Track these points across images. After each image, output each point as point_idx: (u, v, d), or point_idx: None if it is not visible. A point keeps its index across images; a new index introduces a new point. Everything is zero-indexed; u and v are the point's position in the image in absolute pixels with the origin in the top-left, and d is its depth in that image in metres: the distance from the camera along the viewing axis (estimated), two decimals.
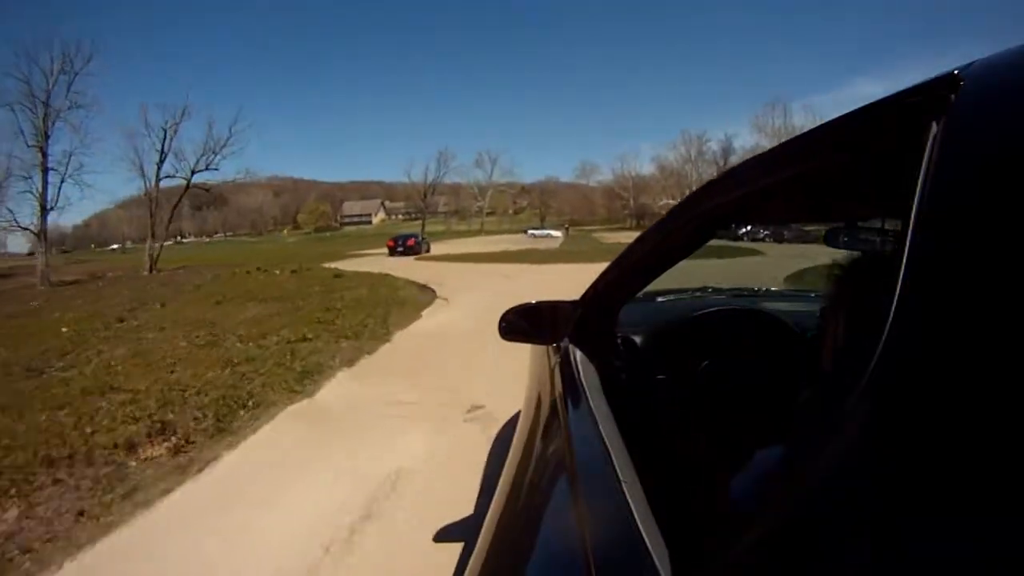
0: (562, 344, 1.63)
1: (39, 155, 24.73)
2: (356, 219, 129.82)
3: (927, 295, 0.40)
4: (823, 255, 1.19)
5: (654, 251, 1.29)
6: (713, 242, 1.25)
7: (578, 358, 1.43)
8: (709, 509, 0.84)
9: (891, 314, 0.40)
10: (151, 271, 26.70)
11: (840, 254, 1.07)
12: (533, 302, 1.69)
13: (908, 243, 0.43)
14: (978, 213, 0.41)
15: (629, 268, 1.42)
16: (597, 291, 1.56)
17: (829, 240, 1.14)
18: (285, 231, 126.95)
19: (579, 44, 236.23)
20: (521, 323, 1.69)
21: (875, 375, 0.39)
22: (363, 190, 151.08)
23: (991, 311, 0.36)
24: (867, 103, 0.61)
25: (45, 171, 24.98)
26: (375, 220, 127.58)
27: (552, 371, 1.57)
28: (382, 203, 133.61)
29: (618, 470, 0.85)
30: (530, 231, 63.02)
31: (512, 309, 1.69)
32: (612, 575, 0.66)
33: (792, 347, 1.51)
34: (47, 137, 24.93)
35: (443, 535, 2.48)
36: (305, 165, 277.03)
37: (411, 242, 32.29)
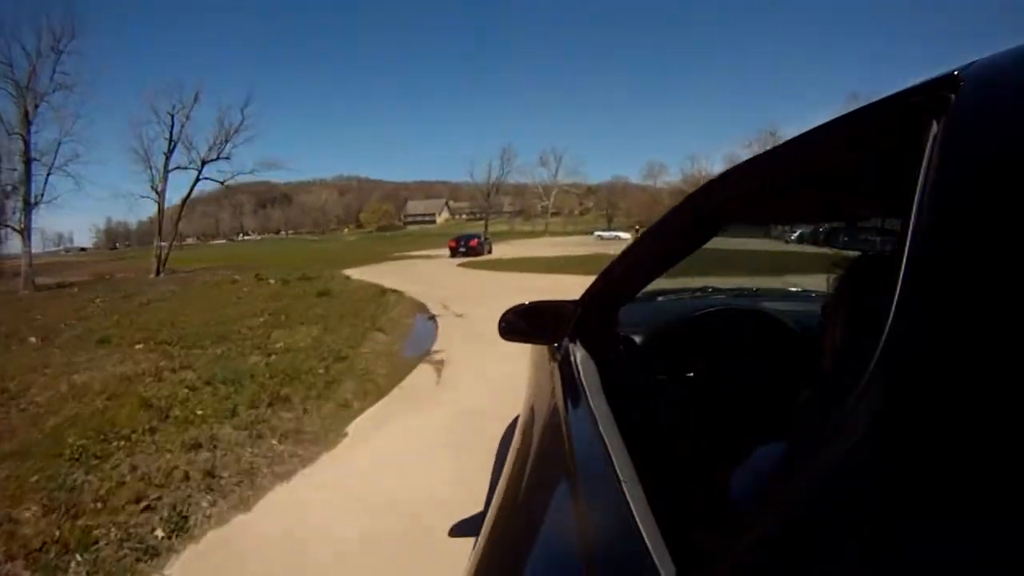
0: (562, 344, 1.61)
1: (21, 143, 21.78)
2: (420, 219, 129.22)
3: (927, 295, 0.40)
4: (823, 255, 1.19)
5: (654, 251, 1.31)
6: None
7: (578, 358, 1.42)
8: (709, 509, 0.84)
9: (891, 314, 0.40)
10: (158, 273, 24.53)
11: (840, 254, 1.07)
12: (533, 302, 1.69)
13: (908, 243, 0.43)
14: (978, 213, 0.41)
15: (629, 268, 1.43)
16: (597, 291, 1.56)
17: (829, 240, 1.16)
18: (346, 230, 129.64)
19: (649, 43, 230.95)
20: (521, 323, 1.68)
21: (875, 375, 0.39)
22: (427, 190, 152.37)
23: (991, 311, 0.36)
24: (867, 103, 0.61)
25: (28, 162, 21.82)
26: (439, 220, 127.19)
27: (552, 371, 1.56)
28: (446, 203, 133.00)
29: (618, 470, 0.83)
30: (597, 233, 58.40)
31: (512, 309, 1.68)
32: (612, 575, 0.66)
33: (792, 347, 1.50)
34: (29, 123, 21.75)
35: None
36: (371, 165, 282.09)
37: (473, 243, 30.43)
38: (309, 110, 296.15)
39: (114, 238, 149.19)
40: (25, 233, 21.59)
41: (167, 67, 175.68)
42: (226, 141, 28.47)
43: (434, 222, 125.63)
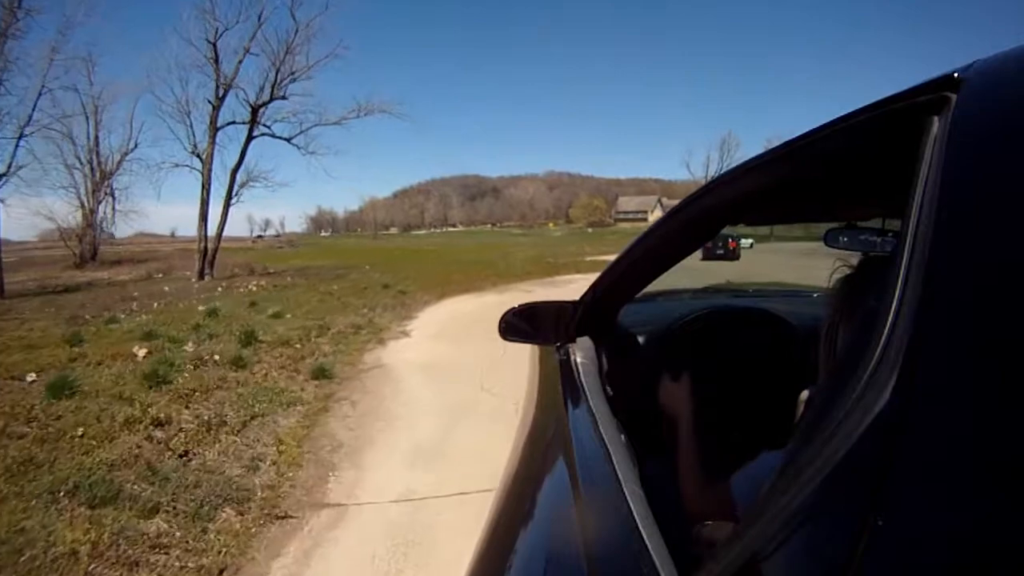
0: (563, 344, 1.61)
1: None
2: (631, 215, 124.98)
3: (927, 295, 0.40)
4: (824, 255, 1.12)
5: (654, 251, 1.32)
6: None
7: (579, 358, 1.42)
8: (709, 509, 0.85)
9: (891, 314, 0.40)
10: (201, 276, 16.66)
11: (840, 254, 1.02)
12: (533, 303, 1.69)
13: (908, 243, 0.43)
14: (978, 213, 0.41)
15: (629, 268, 1.43)
16: (597, 291, 1.56)
17: (829, 240, 1.10)
18: (551, 224, 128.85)
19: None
20: (521, 324, 1.67)
21: (876, 375, 0.39)
22: (640, 186, 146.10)
23: (991, 311, 0.36)
24: (867, 103, 0.61)
25: None
26: (651, 217, 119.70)
27: (552, 371, 1.55)
28: (659, 200, 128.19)
29: (618, 470, 0.84)
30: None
31: (512, 309, 1.67)
32: (612, 575, 0.67)
33: (792, 347, 1.49)
34: None
35: None
36: (582, 161, 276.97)
37: (732, 244, 24.91)
38: (521, 105, 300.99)
39: (320, 225, 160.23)
40: None
41: None
42: (281, 71, 17.62)
43: (646, 220, 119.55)
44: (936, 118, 0.48)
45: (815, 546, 0.40)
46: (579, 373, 1.33)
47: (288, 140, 19.04)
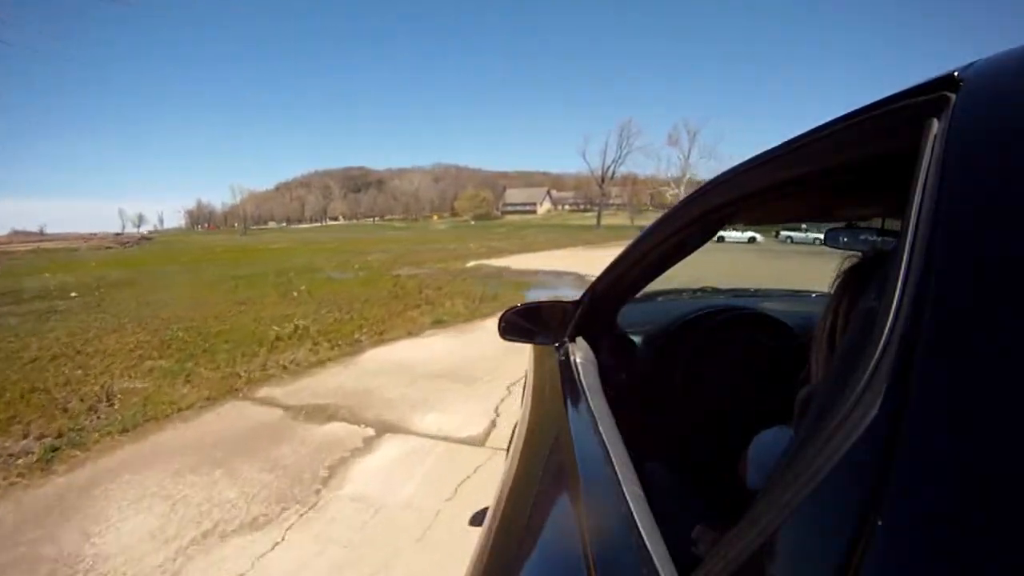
0: (562, 344, 1.61)
1: None
2: (519, 208, 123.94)
3: (927, 295, 0.40)
4: (824, 255, 1.13)
5: (654, 251, 1.30)
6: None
7: (578, 358, 1.41)
8: (709, 509, 0.88)
9: (891, 314, 0.41)
10: None
11: (840, 254, 1.02)
12: (533, 302, 1.69)
13: (908, 243, 0.43)
14: (978, 213, 0.41)
15: (629, 268, 1.42)
16: (597, 291, 1.55)
17: (829, 240, 1.06)
18: (435, 217, 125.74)
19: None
20: (521, 323, 1.67)
21: (875, 375, 0.39)
22: (528, 179, 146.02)
23: (991, 311, 0.36)
24: (867, 103, 0.61)
25: None
26: (539, 210, 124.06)
27: (552, 371, 1.55)
28: (548, 192, 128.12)
29: (618, 470, 0.84)
30: (785, 234, 33.66)
31: (512, 309, 1.68)
32: (612, 575, 0.66)
33: (792, 347, 1.49)
34: None
35: None
36: (471, 154, 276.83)
37: None
38: (408, 99, 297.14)
39: (197, 220, 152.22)
40: None
41: None
42: None
43: (534, 212, 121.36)
44: (936, 118, 0.48)
45: (815, 546, 0.40)
46: (578, 373, 1.32)
47: None
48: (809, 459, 0.41)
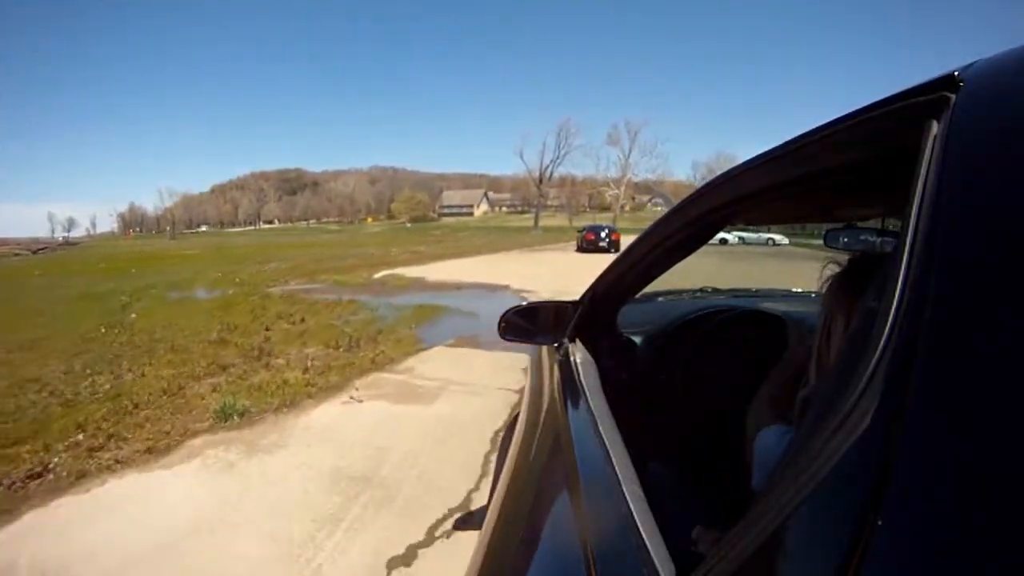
0: (562, 344, 1.61)
1: None
2: (456, 210, 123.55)
3: (927, 295, 0.40)
4: (823, 255, 1.12)
5: (654, 251, 1.30)
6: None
7: (578, 358, 1.41)
8: (709, 509, 0.89)
9: (891, 314, 0.41)
10: None
11: (840, 254, 1.03)
12: (533, 303, 1.70)
13: (908, 243, 0.43)
14: (978, 213, 0.41)
15: (629, 268, 1.43)
16: (597, 291, 1.56)
17: (829, 240, 1.08)
18: (369, 219, 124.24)
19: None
20: (521, 323, 1.68)
21: (875, 375, 0.39)
22: (466, 181, 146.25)
23: (991, 311, 0.36)
24: (867, 103, 0.61)
25: None
26: (477, 212, 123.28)
27: (552, 371, 1.56)
28: (485, 194, 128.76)
29: (618, 470, 0.84)
30: (737, 234, 27.75)
31: (512, 309, 1.69)
32: (612, 575, 0.66)
33: (792, 347, 1.48)
34: None
35: None
36: (408, 157, 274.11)
37: (616, 236, 25.60)
38: (345, 99, 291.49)
39: (129, 224, 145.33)
40: None
41: None
42: None
43: (471, 214, 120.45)
44: (936, 118, 0.47)
45: (815, 546, 0.40)
46: (578, 373, 1.32)
47: None
48: (809, 459, 0.41)
